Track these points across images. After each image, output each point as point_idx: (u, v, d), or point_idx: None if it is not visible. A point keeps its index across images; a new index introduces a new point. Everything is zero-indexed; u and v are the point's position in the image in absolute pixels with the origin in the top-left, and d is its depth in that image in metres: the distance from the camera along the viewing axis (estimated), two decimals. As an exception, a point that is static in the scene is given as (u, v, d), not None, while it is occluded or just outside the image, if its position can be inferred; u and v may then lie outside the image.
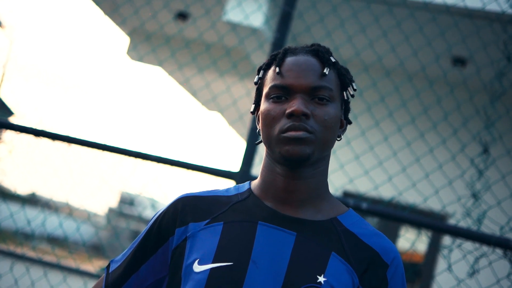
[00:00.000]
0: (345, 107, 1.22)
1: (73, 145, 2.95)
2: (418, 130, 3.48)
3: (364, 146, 3.96)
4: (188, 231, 1.17)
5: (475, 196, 3.03)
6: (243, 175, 2.61)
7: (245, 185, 1.23)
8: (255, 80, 1.22)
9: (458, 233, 2.62)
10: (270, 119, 1.13)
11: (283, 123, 1.11)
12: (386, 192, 3.48)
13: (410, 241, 4.98)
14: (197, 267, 1.12)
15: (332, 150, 1.19)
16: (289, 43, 4.94)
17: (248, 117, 4.12)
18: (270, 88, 1.15)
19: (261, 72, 1.22)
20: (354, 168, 3.62)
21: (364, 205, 2.64)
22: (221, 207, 1.19)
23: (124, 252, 1.28)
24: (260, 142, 1.22)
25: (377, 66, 4.63)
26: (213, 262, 1.11)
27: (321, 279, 1.08)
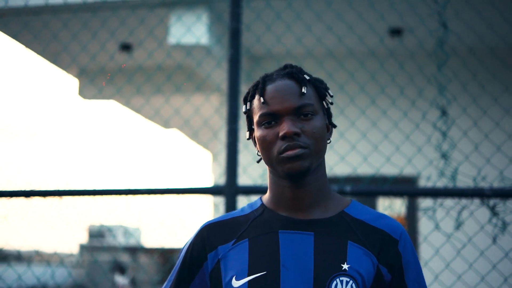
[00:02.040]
0: (327, 113, 1.37)
1: (64, 197, 3.00)
2: (380, 108, 3.69)
3: (335, 134, 4.17)
4: (219, 254, 1.31)
5: (444, 156, 3.23)
6: (230, 187, 2.68)
7: (257, 202, 1.38)
8: (244, 110, 1.37)
9: (437, 193, 2.81)
10: (267, 144, 1.28)
11: (279, 145, 1.26)
12: (365, 171, 3.69)
13: (390, 210, 5.21)
14: (236, 283, 1.26)
15: None
16: (244, 56, 5.13)
17: (222, 134, 4.27)
18: (260, 116, 1.29)
19: (248, 103, 1.36)
20: (331, 156, 3.82)
21: (348, 188, 2.82)
22: (242, 226, 1.34)
23: (167, 280, 1.40)
24: (260, 160, 1.37)
25: (329, 59, 4.85)
26: (248, 275, 1.25)
27: (345, 266, 1.24)
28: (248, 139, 1.40)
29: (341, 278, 1.22)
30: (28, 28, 4.75)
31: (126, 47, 5.53)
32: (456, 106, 3.67)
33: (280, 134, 1.25)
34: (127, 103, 6.66)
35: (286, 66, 1.36)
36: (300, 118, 1.27)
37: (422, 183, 4.72)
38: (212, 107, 5.71)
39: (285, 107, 1.27)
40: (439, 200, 3.14)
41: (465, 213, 3.19)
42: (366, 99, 4.05)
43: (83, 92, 6.37)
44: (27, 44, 5.49)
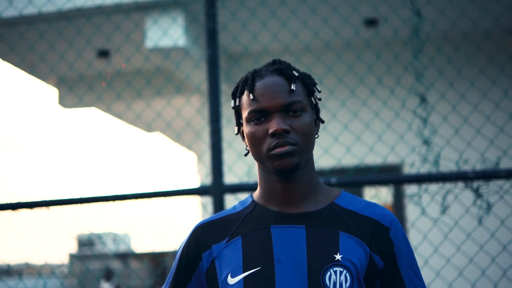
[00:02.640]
0: (315, 109, 1.37)
1: (52, 207, 2.99)
2: (359, 99, 3.73)
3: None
4: (213, 253, 1.33)
5: (426, 142, 3.27)
6: (217, 186, 2.69)
7: (248, 199, 1.39)
8: (232, 105, 1.37)
9: (422, 179, 2.85)
10: (256, 140, 1.28)
11: (269, 142, 1.26)
12: (349, 162, 3.72)
13: (377, 199, 5.26)
14: (231, 280, 1.27)
15: None
16: (222, 56, 5.13)
17: (205, 134, 4.28)
18: (249, 113, 1.29)
19: (236, 98, 1.35)
20: (314, 150, 3.85)
21: (334, 180, 2.85)
22: (234, 223, 1.35)
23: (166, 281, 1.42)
24: (248, 153, 1.38)
25: (307, 53, 4.87)
26: (243, 272, 1.27)
27: (338, 256, 1.25)
28: (236, 134, 1.41)
29: (334, 269, 1.24)
30: (4, 40, 4.70)
31: (103, 54, 5.49)
32: (434, 92, 3.72)
33: (270, 131, 1.26)
34: (108, 110, 6.63)
35: (274, 62, 1.36)
36: (289, 114, 1.28)
37: (406, 170, 4.77)
38: (193, 108, 5.71)
39: (275, 104, 1.27)
40: (424, 186, 3.19)
41: (450, 197, 3.24)
42: (346, 90, 4.09)
43: (63, 101, 6.34)
44: (4, 57, 5.44)
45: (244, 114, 1.32)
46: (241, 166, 3.98)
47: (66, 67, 5.33)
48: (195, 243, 1.37)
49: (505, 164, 3.75)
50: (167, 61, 4.74)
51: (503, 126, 3.60)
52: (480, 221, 2.93)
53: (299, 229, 1.28)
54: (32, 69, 5.75)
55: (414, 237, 4.39)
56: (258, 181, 1.37)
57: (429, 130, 3.42)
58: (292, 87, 1.29)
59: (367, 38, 4.57)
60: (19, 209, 2.97)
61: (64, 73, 5.82)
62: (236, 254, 1.30)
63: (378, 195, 4.92)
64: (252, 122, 1.30)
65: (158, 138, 8.32)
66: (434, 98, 3.66)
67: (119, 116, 6.92)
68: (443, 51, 4.37)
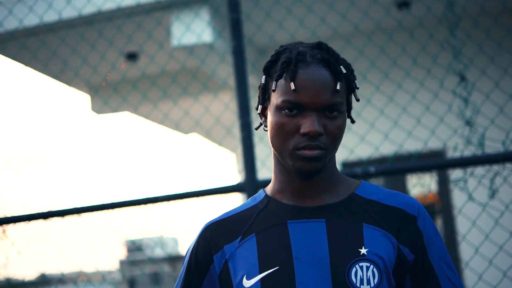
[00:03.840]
0: (348, 106, 1.25)
1: (83, 214, 2.99)
2: (394, 82, 3.56)
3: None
4: (226, 254, 1.23)
5: (468, 123, 3.11)
6: (250, 183, 2.61)
7: (260, 194, 1.29)
8: (263, 81, 1.24)
9: (467, 162, 2.70)
10: (284, 133, 1.17)
11: (298, 140, 1.16)
12: (387, 150, 3.56)
13: (421, 187, 5.08)
14: (247, 282, 1.17)
15: None
16: (248, 47, 5.02)
17: (236, 130, 4.20)
18: (283, 101, 1.17)
19: (273, 81, 1.21)
20: (350, 138, 3.70)
21: (372, 169, 2.72)
22: (247, 221, 1.25)
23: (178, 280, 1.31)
24: (260, 126, 1.29)
25: (335, 37, 4.72)
26: (260, 273, 1.17)
27: (363, 251, 1.16)
28: (258, 112, 1.27)
29: (360, 264, 1.15)
30: (28, 50, 4.72)
31: (131, 56, 5.46)
32: (474, 69, 3.53)
33: (303, 130, 1.15)
34: (148, 115, 6.63)
35: (320, 45, 1.22)
36: (326, 114, 1.17)
37: (450, 154, 4.58)
38: (222, 104, 5.65)
39: (315, 102, 1.15)
40: (469, 170, 3.02)
41: (498, 180, 3.06)
42: (379, 74, 3.92)
43: (95, 107, 6.35)
44: (39, 69, 5.46)
45: (276, 99, 1.19)
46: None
47: (97, 74, 5.33)
48: (205, 244, 1.26)
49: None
50: (193, 58, 4.67)
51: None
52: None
53: (319, 223, 1.19)
54: (64, 78, 5.75)
55: (462, 225, 4.20)
56: (273, 172, 1.26)
57: (471, 110, 3.25)
58: (338, 86, 1.16)
59: (399, 18, 4.37)
60: (50, 218, 2.99)
61: (95, 79, 5.82)
62: (251, 254, 1.20)
63: (421, 183, 4.73)
64: (283, 112, 1.18)
65: (196, 140, 8.30)
66: (474, 76, 3.47)
67: (159, 121, 6.89)
68: (481, 25, 4.13)
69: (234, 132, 5.40)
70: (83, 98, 6.67)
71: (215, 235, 1.26)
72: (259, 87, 1.26)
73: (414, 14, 3.83)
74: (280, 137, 1.18)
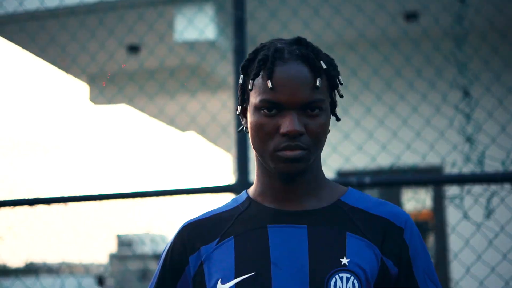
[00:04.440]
0: (333, 104, 1.21)
1: (70, 204, 2.95)
2: (397, 93, 3.50)
3: (349, 123, 3.98)
4: (202, 256, 1.18)
5: (469, 140, 3.05)
6: (242, 184, 2.56)
7: (242, 195, 1.23)
8: (241, 80, 1.20)
9: (464, 179, 2.65)
10: (263, 134, 1.12)
11: (278, 140, 1.11)
12: (384, 161, 3.50)
13: (415, 202, 5.02)
14: (221, 286, 1.12)
15: None
16: (250, 46, 4.95)
17: (232, 129, 4.14)
18: (261, 101, 1.12)
19: (250, 80, 1.16)
20: (347, 146, 3.63)
21: (368, 179, 2.66)
22: (226, 223, 1.20)
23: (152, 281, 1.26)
24: (242, 128, 1.23)
25: (340, 43, 4.66)
26: (235, 277, 1.12)
27: (345, 261, 1.10)
28: (238, 114, 1.22)
29: (340, 275, 1.09)
30: (26, 33, 4.66)
31: (133, 49, 5.40)
32: (478, 85, 3.48)
33: (282, 130, 1.10)
34: (142, 108, 6.59)
35: (299, 41, 1.17)
36: (307, 112, 1.12)
37: (447, 170, 4.51)
38: (219, 102, 5.60)
39: (294, 100, 1.10)
40: (466, 188, 2.96)
41: (495, 200, 3.00)
42: (381, 83, 3.85)
43: (94, 98, 6.32)
44: (37, 53, 5.43)
45: (254, 99, 1.14)
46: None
47: (97, 64, 5.29)
48: (182, 244, 1.21)
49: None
50: (195, 54, 4.61)
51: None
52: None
53: (300, 229, 1.14)
54: (62, 65, 5.73)
55: (455, 243, 4.14)
56: (256, 174, 1.21)
57: (472, 127, 3.18)
58: (318, 83, 1.11)
59: (405, 28, 4.31)
60: (36, 205, 2.98)
61: (95, 70, 5.76)
62: (228, 257, 1.15)
63: (416, 198, 4.67)
64: (262, 112, 1.13)
65: (192, 138, 8.24)
66: (478, 92, 3.41)
67: (154, 115, 6.85)
68: (489, 40, 4.07)
69: (230, 131, 5.33)
70: (81, 87, 6.64)
71: (192, 235, 1.21)
72: (238, 88, 1.21)
73: (421, 25, 3.77)
74: (260, 138, 1.13)
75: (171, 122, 6.86)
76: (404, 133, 3.84)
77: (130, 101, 6.07)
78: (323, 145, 1.16)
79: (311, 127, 1.11)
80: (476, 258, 2.87)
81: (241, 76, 1.20)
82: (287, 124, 1.09)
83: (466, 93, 3.06)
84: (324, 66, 1.14)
